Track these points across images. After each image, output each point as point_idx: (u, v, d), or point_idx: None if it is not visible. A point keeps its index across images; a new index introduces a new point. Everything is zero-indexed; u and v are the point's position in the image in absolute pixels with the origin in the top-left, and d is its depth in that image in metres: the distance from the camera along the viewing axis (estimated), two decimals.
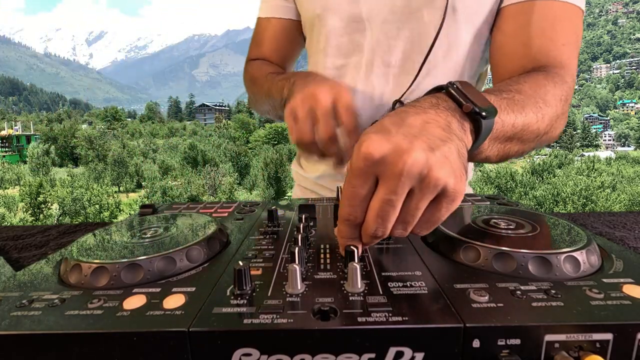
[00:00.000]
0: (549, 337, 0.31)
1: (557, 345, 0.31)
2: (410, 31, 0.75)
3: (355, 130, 0.57)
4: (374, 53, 0.78)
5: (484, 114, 0.41)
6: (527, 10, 0.66)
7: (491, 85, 0.74)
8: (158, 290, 0.38)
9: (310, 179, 1.02)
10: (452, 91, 0.43)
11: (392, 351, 0.31)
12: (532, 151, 0.61)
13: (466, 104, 0.41)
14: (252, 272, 0.41)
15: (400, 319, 0.31)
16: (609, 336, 0.31)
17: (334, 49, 0.82)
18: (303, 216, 0.55)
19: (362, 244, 0.41)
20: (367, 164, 0.36)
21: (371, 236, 0.39)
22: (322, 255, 0.46)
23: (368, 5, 0.76)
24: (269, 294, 0.37)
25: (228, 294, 0.37)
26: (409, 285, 0.38)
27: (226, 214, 0.69)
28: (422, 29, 0.74)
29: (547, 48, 0.65)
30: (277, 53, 0.95)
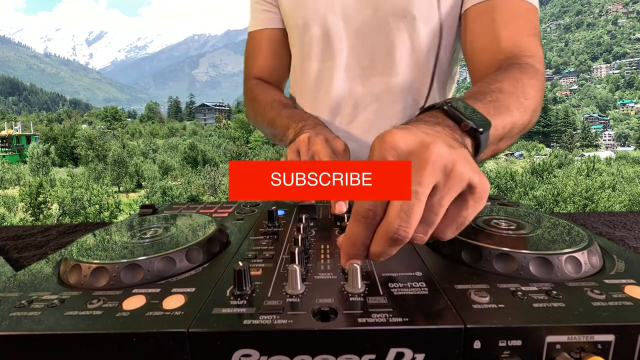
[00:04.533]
0: (550, 339, 0.31)
1: (558, 346, 0.31)
2: (377, 37, 0.87)
3: None
4: (350, 57, 0.90)
5: (481, 130, 0.43)
6: (490, 9, 0.75)
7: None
8: (158, 290, 0.38)
9: None
10: (449, 109, 0.44)
11: (393, 352, 0.30)
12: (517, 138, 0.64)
13: (465, 121, 0.43)
14: (252, 273, 0.41)
15: (400, 319, 0.31)
16: (610, 337, 0.31)
17: (316, 54, 0.93)
18: (303, 216, 0.55)
19: (368, 255, 0.37)
20: (393, 155, 0.35)
21: (391, 238, 0.34)
22: (322, 256, 0.46)
23: (343, 17, 0.87)
24: (269, 295, 0.37)
25: (228, 294, 0.37)
26: (409, 285, 0.38)
27: (226, 214, 0.69)
28: (389, 34, 0.85)
29: (515, 39, 0.72)
30: (274, 61, 1.02)
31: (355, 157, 0.88)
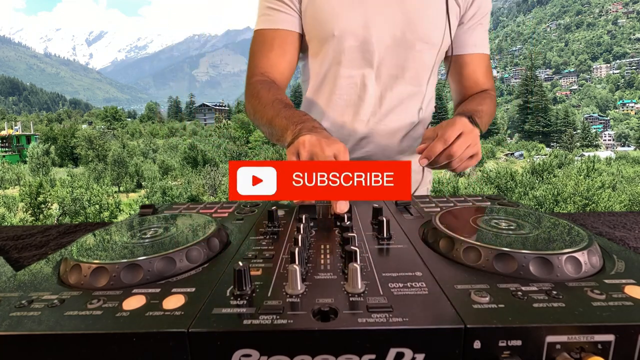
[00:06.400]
0: (550, 339, 0.31)
1: (558, 346, 0.31)
2: (405, 53, 1.05)
3: None
4: (380, 68, 1.06)
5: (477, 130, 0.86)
6: (474, 60, 1.13)
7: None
8: (158, 290, 0.38)
9: None
10: (471, 119, 0.87)
11: (393, 352, 0.30)
12: None
13: (478, 128, 0.87)
14: (252, 273, 0.41)
15: (400, 319, 0.31)
16: (610, 337, 0.31)
17: (349, 62, 1.06)
18: (303, 216, 0.55)
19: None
20: (464, 129, 0.82)
21: (461, 157, 0.82)
22: (322, 256, 0.46)
23: (377, 33, 1.02)
24: (269, 295, 0.37)
25: (228, 294, 0.37)
26: (409, 285, 0.38)
27: (226, 215, 0.69)
28: (415, 53, 1.06)
29: (485, 80, 1.15)
30: (284, 60, 1.07)
31: (378, 157, 1.12)
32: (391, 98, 1.10)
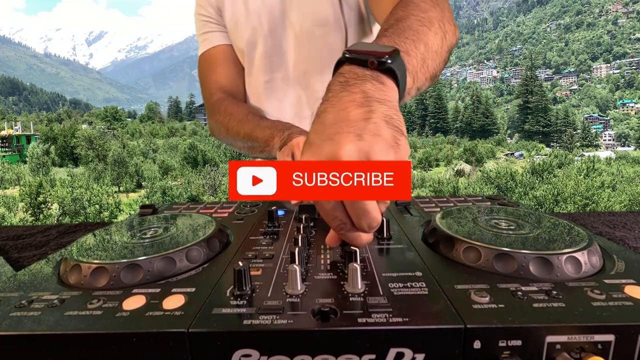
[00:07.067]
0: (550, 339, 0.31)
1: (558, 346, 0.31)
2: (309, 46, 1.01)
3: None
4: (292, 68, 1.03)
5: (389, 61, 0.42)
6: None
7: None
8: (158, 290, 0.38)
9: None
10: (350, 55, 0.43)
11: (393, 352, 0.30)
12: (448, 55, 0.62)
13: (369, 60, 0.41)
14: (252, 273, 0.41)
15: (400, 319, 0.31)
16: (610, 337, 0.31)
17: (261, 69, 1.05)
18: (303, 216, 0.55)
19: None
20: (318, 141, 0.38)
21: (370, 233, 0.40)
22: (322, 256, 0.46)
23: (279, 34, 1.01)
24: (269, 295, 0.37)
25: (228, 294, 0.37)
26: (409, 285, 0.38)
27: (226, 214, 0.69)
28: (316, 43, 0.99)
29: None
30: (234, 71, 1.10)
31: None
32: (311, 95, 1.05)
